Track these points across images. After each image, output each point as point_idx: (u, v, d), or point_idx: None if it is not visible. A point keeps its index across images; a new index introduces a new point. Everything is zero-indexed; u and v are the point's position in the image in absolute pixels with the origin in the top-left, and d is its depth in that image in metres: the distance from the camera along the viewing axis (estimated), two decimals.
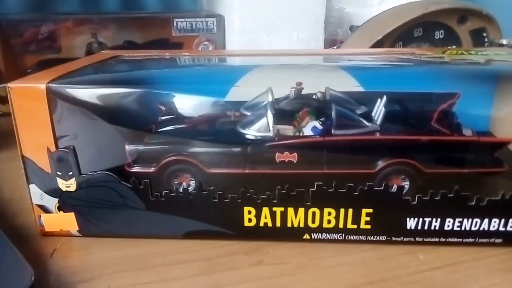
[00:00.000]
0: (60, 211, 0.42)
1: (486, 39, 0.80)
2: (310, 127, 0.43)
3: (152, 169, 0.43)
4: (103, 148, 0.45)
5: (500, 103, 0.48)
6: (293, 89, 0.46)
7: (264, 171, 0.42)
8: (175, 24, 0.91)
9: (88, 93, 0.41)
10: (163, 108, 0.48)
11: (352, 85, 0.50)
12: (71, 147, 0.40)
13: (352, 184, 0.38)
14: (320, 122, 0.42)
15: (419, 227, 0.39)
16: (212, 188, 0.39)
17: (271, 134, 0.42)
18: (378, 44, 0.76)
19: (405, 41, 0.79)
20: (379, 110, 0.44)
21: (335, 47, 0.95)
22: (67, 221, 0.42)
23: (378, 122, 0.43)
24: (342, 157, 0.41)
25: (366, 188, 0.37)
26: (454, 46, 0.80)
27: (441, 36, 0.80)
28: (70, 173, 0.40)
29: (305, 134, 0.43)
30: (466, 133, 0.44)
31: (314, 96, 0.47)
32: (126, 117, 0.43)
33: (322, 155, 0.41)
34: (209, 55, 0.62)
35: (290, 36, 0.88)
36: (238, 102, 0.48)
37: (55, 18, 0.91)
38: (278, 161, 0.42)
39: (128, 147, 0.43)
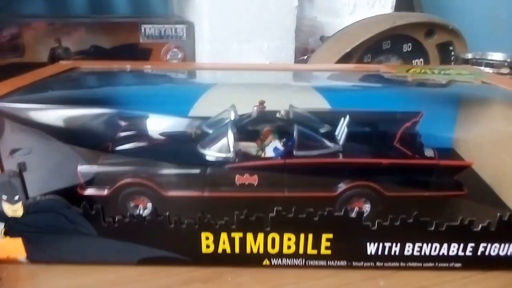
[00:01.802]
0: (7, 237, 0.39)
1: (452, 53, 0.81)
2: (271, 147, 0.42)
3: (106, 192, 0.41)
4: (55, 168, 0.43)
5: (463, 123, 0.48)
6: (255, 108, 0.45)
7: (223, 194, 0.40)
8: (143, 30, 0.88)
9: (40, 114, 0.38)
10: (123, 123, 0.46)
11: (319, 104, 0.49)
12: (17, 170, 0.38)
13: (312, 210, 0.37)
14: (282, 143, 0.41)
15: (379, 252, 0.39)
16: (167, 213, 0.37)
17: (231, 155, 0.41)
18: (347, 56, 0.76)
19: (374, 53, 0.79)
20: (342, 129, 0.44)
21: (305, 57, 0.94)
22: (14, 248, 0.39)
23: (341, 142, 0.43)
24: (303, 179, 0.41)
25: (326, 213, 0.37)
26: (421, 59, 0.81)
27: (409, 49, 0.80)
28: (16, 197, 0.38)
29: (267, 154, 0.42)
30: (428, 153, 0.44)
31: (277, 114, 0.46)
32: (80, 136, 0.41)
33: (283, 178, 0.40)
34: (173, 68, 0.60)
35: (261, 46, 0.87)
36: (201, 117, 0.47)
37: (19, 20, 0.87)
38: (238, 184, 0.40)
39: (80, 168, 0.41)
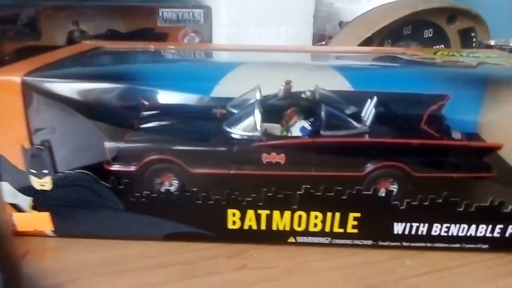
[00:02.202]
0: (34, 210, 0.40)
1: (474, 39, 0.80)
2: (298, 127, 0.42)
3: (132, 168, 0.41)
4: (81, 145, 0.43)
5: (490, 106, 0.47)
6: (282, 88, 0.44)
7: (250, 172, 0.40)
8: (160, 14, 0.88)
9: (67, 88, 0.38)
10: (146, 102, 0.46)
11: (342, 85, 0.49)
12: (47, 143, 0.38)
13: (340, 188, 0.36)
14: (309, 123, 0.41)
15: (406, 232, 0.38)
16: (195, 189, 0.37)
17: (258, 133, 0.40)
18: (367, 41, 0.75)
19: (394, 39, 0.78)
20: (369, 110, 0.43)
21: (323, 43, 0.93)
22: (42, 221, 0.40)
23: (368, 123, 0.42)
24: (330, 159, 0.40)
25: (354, 192, 0.36)
26: (442, 46, 0.80)
27: (430, 35, 0.79)
28: (45, 171, 0.38)
29: (293, 134, 0.42)
30: (455, 136, 0.43)
31: (303, 95, 0.46)
32: (107, 113, 0.41)
33: (311, 157, 0.40)
34: (195, 49, 0.60)
35: (279, 31, 0.87)
36: (224, 98, 0.46)
37: (35, 3, 0.87)
38: (265, 162, 0.40)
39: (107, 145, 0.41)
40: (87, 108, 0.40)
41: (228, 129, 0.42)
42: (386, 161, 0.40)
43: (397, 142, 0.40)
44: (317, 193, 0.37)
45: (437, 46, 0.80)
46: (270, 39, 0.87)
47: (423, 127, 0.43)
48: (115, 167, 0.41)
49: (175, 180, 0.42)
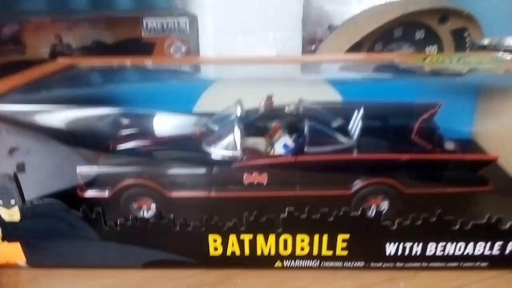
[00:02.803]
0: (4, 241, 0.37)
1: (467, 39, 0.78)
2: (281, 144, 0.40)
3: (107, 193, 0.39)
4: (54, 169, 0.41)
5: (483, 116, 0.45)
6: (262, 103, 0.42)
7: (231, 194, 0.38)
8: (144, 24, 0.86)
9: (37, 116, 0.36)
10: (124, 121, 0.44)
11: (332, 98, 0.46)
12: (12, 173, 0.36)
13: (327, 210, 0.34)
14: (292, 139, 0.39)
15: (399, 253, 0.36)
16: (172, 215, 0.35)
17: (238, 153, 0.38)
18: (357, 45, 0.73)
19: (385, 41, 0.76)
20: (356, 123, 0.41)
21: (313, 47, 0.91)
22: (13, 252, 0.38)
23: (355, 136, 0.40)
24: (315, 177, 0.38)
25: (341, 213, 0.34)
26: (435, 47, 0.78)
27: (421, 37, 0.77)
28: (12, 201, 0.36)
29: (276, 151, 0.40)
30: (448, 146, 0.41)
31: (286, 109, 0.44)
32: (81, 138, 0.39)
33: (294, 176, 0.38)
34: (175, 63, 0.58)
35: (267, 37, 0.84)
36: (205, 114, 0.44)
37: (20, 17, 0.85)
38: (246, 183, 0.38)
39: (80, 169, 0.39)
40: (60, 135, 0.38)
41: (208, 149, 0.39)
42: (375, 177, 0.38)
43: (386, 158, 0.38)
44: (302, 216, 0.34)
45: (430, 47, 0.78)
46: (259, 46, 0.85)
47: (414, 138, 0.41)
48: (89, 194, 0.39)
49: (153, 203, 0.39)
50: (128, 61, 0.49)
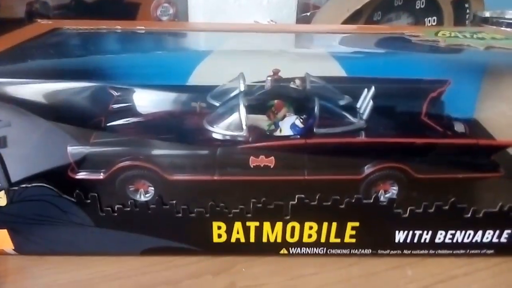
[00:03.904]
0: None
1: (468, 11, 0.75)
2: (288, 123, 0.37)
3: (101, 175, 0.36)
4: (39, 150, 0.37)
5: (489, 96, 0.44)
6: (269, 78, 0.39)
7: (236, 178, 0.36)
8: None
9: (19, 89, 0.33)
10: (115, 93, 0.40)
11: (336, 72, 0.44)
12: None
13: (338, 197, 0.33)
14: (301, 120, 0.36)
15: (408, 240, 0.35)
16: (174, 201, 0.33)
17: (243, 133, 0.36)
18: (356, 14, 0.69)
19: (385, 10, 0.72)
20: (365, 102, 0.39)
21: (308, 14, 0.87)
22: (0, 239, 0.35)
23: (365, 116, 0.38)
24: (325, 161, 0.36)
25: (353, 201, 0.33)
26: (435, 18, 0.75)
27: (422, 6, 0.74)
28: None
29: (283, 131, 0.37)
30: (458, 128, 0.40)
31: (292, 84, 0.41)
32: (68, 112, 0.36)
33: (303, 159, 0.36)
34: (167, 29, 0.54)
35: (261, 1, 0.80)
36: (204, 87, 0.41)
37: None
38: (252, 166, 0.36)
39: (71, 149, 0.36)
40: (45, 110, 0.34)
41: (210, 127, 0.37)
42: (386, 162, 0.36)
43: (400, 142, 0.36)
44: (312, 203, 0.33)
45: (429, 18, 0.75)
46: (251, 11, 0.80)
47: (424, 119, 0.40)
48: (81, 175, 0.36)
49: (150, 186, 0.37)
50: (118, 26, 0.44)
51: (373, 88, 0.38)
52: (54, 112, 0.35)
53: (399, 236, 0.35)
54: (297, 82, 0.41)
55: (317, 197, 0.33)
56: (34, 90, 0.33)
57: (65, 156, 0.36)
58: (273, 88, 0.39)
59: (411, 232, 0.35)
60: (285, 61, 0.43)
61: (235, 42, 0.51)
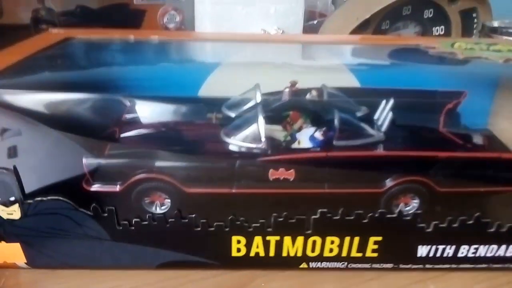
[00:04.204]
0: (2, 241, 0.34)
1: (475, 20, 0.75)
2: (306, 135, 0.37)
3: (117, 188, 0.35)
4: (51, 161, 0.37)
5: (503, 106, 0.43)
6: (287, 89, 0.39)
7: (255, 190, 0.35)
8: None
9: (33, 100, 0.32)
10: (128, 103, 0.39)
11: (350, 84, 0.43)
12: (12, 166, 0.32)
13: (362, 211, 0.32)
14: (322, 132, 0.36)
15: (431, 255, 0.35)
16: (193, 214, 0.32)
17: (262, 145, 0.35)
18: (364, 23, 0.69)
19: (393, 19, 0.72)
20: (384, 114, 0.38)
21: (315, 22, 0.87)
22: (12, 253, 0.34)
23: (383, 128, 0.38)
24: (345, 174, 0.36)
25: (377, 215, 0.32)
26: (442, 27, 0.75)
27: (430, 15, 0.74)
28: (12, 198, 0.32)
29: (302, 143, 0.37)
30: (477, 140, 0.39)
31: (308, 95, 0.40)
32: (81, 124, 0.35)
33: (324, 172, 0.35)
34: (179, 39, 0.53)
35: (268, 9, 0.79)
36: (218, 99, 0.41)
37: None
38: (271, 179, 0.35)
39: (86, 161, 0.35)
40: (58, 121, 0.34)
41: (227, 139, 0.36)
42: (407, 175, 0.35)
43: (421, 155, 0.35)
44: (335, 217, 0.32)
45: (437, 28, 0.75)
46: (258, 18, 0.80)
47: (442, 130, 0.39)
48: (96, 187, 0.35)
49: (167, 199, 0.36)
50: (131, 36, 0.44)
51: (392, 100, 0.38)
52: (68, 122, 0.34)
53: (422, 251, 0.34)
54: (314, 93, 0.40)
55: (339, 212, 0.32)
56: (47, 100, 0.32)
57: (78, 167, 0.36)
58: (290, 99, 0.38)
59: (434, 247, 0.34)
60: (297, 73, 0.43)
61: (246, 53, 0.51)
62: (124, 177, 0.35)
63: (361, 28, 0.69)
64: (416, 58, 0.44)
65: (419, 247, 0.34)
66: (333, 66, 0.48)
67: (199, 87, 0.40)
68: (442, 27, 0.76)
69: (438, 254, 0.35)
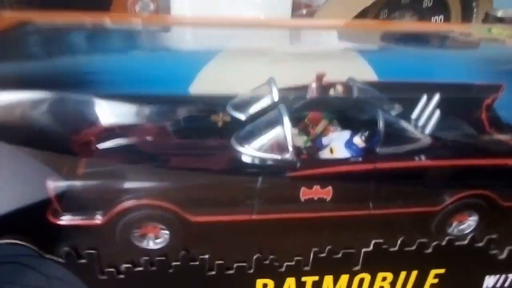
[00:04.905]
0: None
1: (475, 10, 0.71)
2: (340, 141, 0.29)
3: (98, 219, 0.26)
4: (7, 187, 0.27)
5: None
6: (314, 84, 0.31)
7: (283, 215, 0.27)
8: None
9: None
10: (106, 104, 0.30)
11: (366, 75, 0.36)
12: None
13: (426, 240, 0.25)
14: (362, 137, 0.28)
15: (498, 285, 0.28)
16: (207, 257, 0.23)
17: (289, 156, 0.27)
18: (362, 12, 0.63)
19: (391, 8, 0.66)
20: (426, 113, 0.32)
21: (304, 11, 0.80)
22: None
23: (428, 130, 0.31)
24: (395, 190, 0.28)
25: (444, 243, 0.25)
26: (442, 17, 0.70)
27: (429, 4, 0.68)
28: None
29: (335, 152, 0.29)
30: None
31: (331, 91, 0.33)
32: (42, 133, 0.26)
33: (369, 188, 0.28)
34: (153, 23, 0.44)
35: None
36: (221, 97, 0.33)
37: None
38: (303, 200, 0.27)
39: (52, 184, 0.26)
40: (10, 129, 0.24)
41: (241, 149, 0.28)
42: (469, 188, 0.29)
43: (493, 164, 0.28)
44: (392, 249, 0.24)
45: (436, 17, 0.70)
46: (243, 8, 0.72)
47: (491, 131, 0.33)
48: (67, 220, 0.26)
49: (164, 230, 0.27)
50: (107, 19, 0.34)
51: (437, 96, 0.31)
52: (24, 132, 0.25)
53: (488, 282, 0.28)
54: (339, 88, 0.33)
55: (398, 242, 0.24)
56: None
57: (40, 193, 0.26)
58: (318, 96, 0.30)
59: (503, 276, 0.27)
60: (304, 61, 0.36)
61: (237, 40, 0.43)
62: (106, 205, 0.26)
63: (358, 18, 0.62)
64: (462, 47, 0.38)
65: (487, 277, 0.27)
66: (346, 54, 0.41)
67: (191, 82, 0.32)
68: (442, 16, 0.70)
69: (507, 284, 0.28)
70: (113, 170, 0.27)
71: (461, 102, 0.35)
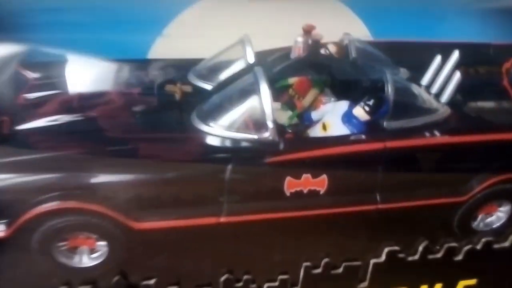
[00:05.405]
0: None
1: None
2: (336, 115, 0.22)
3: (4, 230, 0.19)
4: None
5: None
6: (299, 39, 0.24)
7: (262, 216, 0.20)
8: None
9: None
10: (32, 75, 0.24)
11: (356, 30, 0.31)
12: None
13: (456, 244, 0.18)
14: (366, 107, 0.21)
15: None
16: (153, 282, 0.16)
17: (270, 135, 0.20)
18: None
19: None
20: (442, 77, 0.25)
21: None
22: None
23: (445, 98, 0.25)
24: (411, 177, 0.22)
25: (479, 247, 0.18)
26: None
27: None
28: None
29: (330, 128, 0.22)
30: None
31: (323, 51, 0.26)
32: None
33: (376, 176, 0.21)
34: None
35: None
36: (181, 60, 0.26)
37: None
38: (288, 194, 0.20)
39: None
40: None
41: (205, 128, 0.21)
42: (503, 172, 0.22)
43: None
44: (411, 258, 0.18)
45: None
46: None
47: None
48: None
49: (100, 241, 0.20)
50: None
51: (456, 52, 0.25)
52: None
53: None
54: (332, 48, 0.26)
55: (419, 249, 0.18)
56: None
57: None
58: (310, 55, 0.23)
59: None
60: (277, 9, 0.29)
61: None
62: (16, 210, 0.19)
63: None
64: None
65: None
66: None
67: (149, 46, 0.26)
68: None
69: None
70: (28, 160, 0.19)
71: (479, 65, 0.29)
